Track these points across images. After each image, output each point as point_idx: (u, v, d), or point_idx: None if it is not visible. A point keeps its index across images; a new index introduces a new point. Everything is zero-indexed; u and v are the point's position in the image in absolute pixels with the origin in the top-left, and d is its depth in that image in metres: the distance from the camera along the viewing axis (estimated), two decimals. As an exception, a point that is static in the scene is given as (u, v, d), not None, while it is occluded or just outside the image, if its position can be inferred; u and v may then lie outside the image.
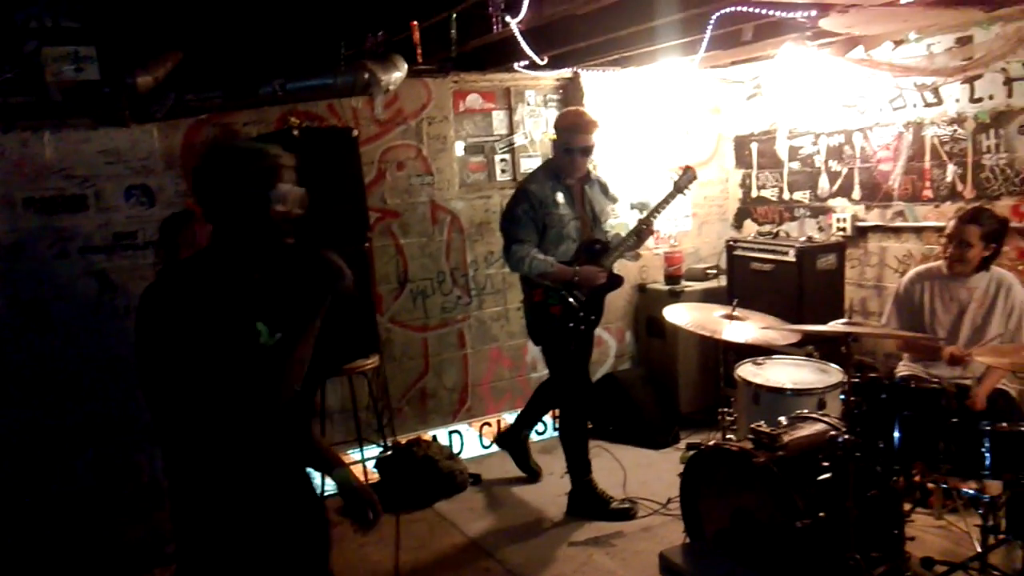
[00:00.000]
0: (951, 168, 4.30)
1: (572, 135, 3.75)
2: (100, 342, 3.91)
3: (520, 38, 3.66)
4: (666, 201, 3.89)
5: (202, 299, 1.82)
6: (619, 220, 5.37)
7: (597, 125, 3.79)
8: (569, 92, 5.39)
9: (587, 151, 3.79)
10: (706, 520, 3.19)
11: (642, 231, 3.88)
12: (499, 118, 5.21)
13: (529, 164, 5.11)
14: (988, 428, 2.88)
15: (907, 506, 3.22)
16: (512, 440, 4.57)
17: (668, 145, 5.60)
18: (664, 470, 4.39)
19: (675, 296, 5.17)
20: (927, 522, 3.55)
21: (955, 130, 4.26)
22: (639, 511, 4.01)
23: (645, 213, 3.94)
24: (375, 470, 4.43)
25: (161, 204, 4.04)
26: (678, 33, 3.99)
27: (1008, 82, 3.99)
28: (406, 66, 4.28)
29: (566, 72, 5.19)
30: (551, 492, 4.31)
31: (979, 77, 4.08)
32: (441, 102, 4.83)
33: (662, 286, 5.40)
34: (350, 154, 4.21)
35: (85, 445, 3.92)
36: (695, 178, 3.96)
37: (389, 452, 4.44)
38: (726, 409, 3.71)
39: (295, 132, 3.99)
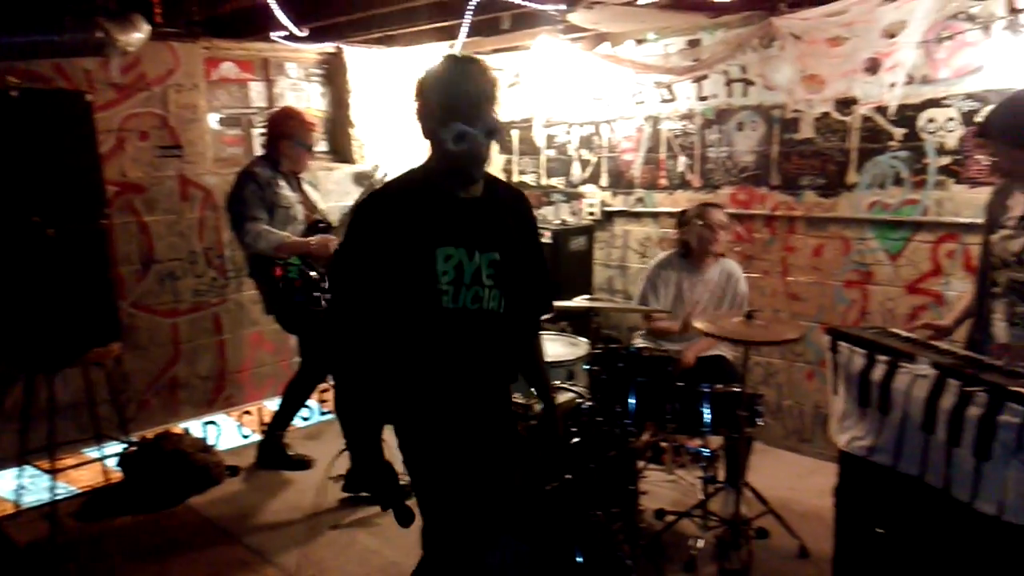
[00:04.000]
0: (682, 159, 4.78)
1: (306, 133, 4.07)
2: None
3: (275, 6, 3.52)
4: (368, 191, 4.27)
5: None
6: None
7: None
8: (333, 67, 5.27)
9: (312, 148, 4.17)
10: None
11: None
12: (257, 90, 4.97)
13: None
14: (707, 390, 3.26)
15: (641, 464, 3.55)
16: (271, 448, 4.40)
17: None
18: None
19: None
20: (660, 477, 3.94)
21: (686, 125, 4.73)
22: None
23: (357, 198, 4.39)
24: (118, 468, 4.06)
25: None
26: (438, 15, 4.05)
27: (729, 83, 4.51)
28: (148, 27, 3.92)
29: (329, 47, 5.06)
30: (314, 477, 4.21)
31: (705, 77, 4.56)
32: (191, 69, 4.49)
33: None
34: (82, 121, 3.80)
35: None
36: (385, 173, 4.39)
37: (133, 448, 4.09)
38: (486, 384, 3.85)
39: (13, 93, 3.51)
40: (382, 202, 2.05)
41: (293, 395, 4.36)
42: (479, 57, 2.01)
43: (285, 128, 4.02)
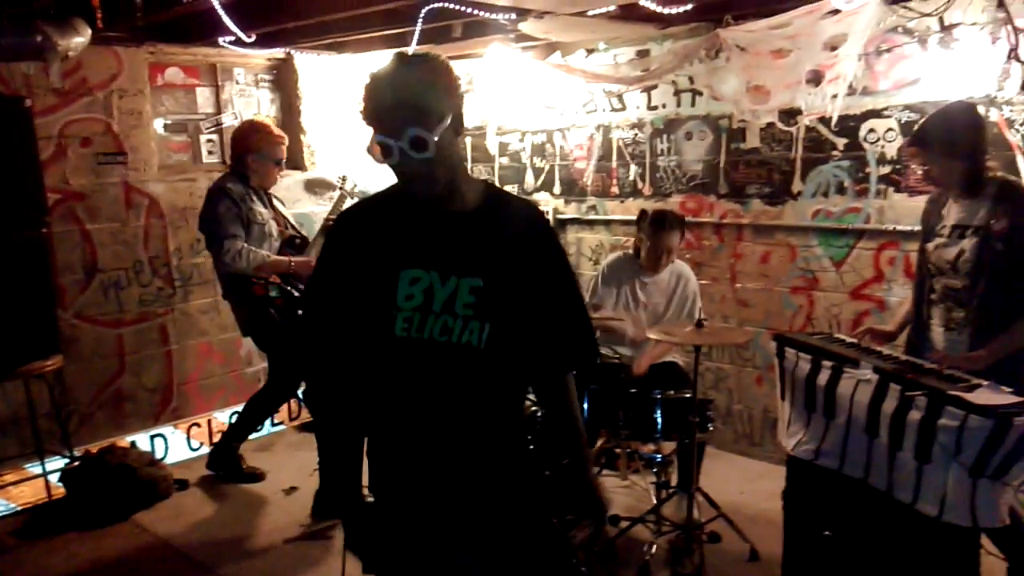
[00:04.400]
0: (633, 168, 4.83)
1: (273, 147, 3.96)
2: None
3: (221, 11, 3.46)
4: (340, 202, 4.39)
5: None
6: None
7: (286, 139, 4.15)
8: (283, 73, 5.21)
9: (282, 162, 4.06)
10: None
11: (328, 227, 4.23)
12: (205, 95, 4.89)
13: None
14: (659, 396, 3.30)
15: (595, 470, 3.57)
16: (224, 456, 4.30)
17: (386, 135, 5.63)
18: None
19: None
20: (615, 483, 3.97)
21: (636, 134, 4.79)
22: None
23: (329, 210, 4.41)
24: (60, 484, 3.94)
25: None
26: (390, 22, 4.04)
27: (677, 93, 4.57)
28: (90, 31, 3.83)
29: (278, 52, 5.00)
30: (266, 490, 4.15)
31: (655, 87, 4.63)
32: (135, 74, 4.40)
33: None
34: (21, 126, 3.73)
35: None
36: (355, 184, 4.53)
37: (77, 463, 3.97)
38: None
39: (-54, 97, 3.41)
40: (351, 220, 1.86)
41: (255, 410, 4.27)
42: (427, 57, 1.71)
43: (249, 142, 3.91)
